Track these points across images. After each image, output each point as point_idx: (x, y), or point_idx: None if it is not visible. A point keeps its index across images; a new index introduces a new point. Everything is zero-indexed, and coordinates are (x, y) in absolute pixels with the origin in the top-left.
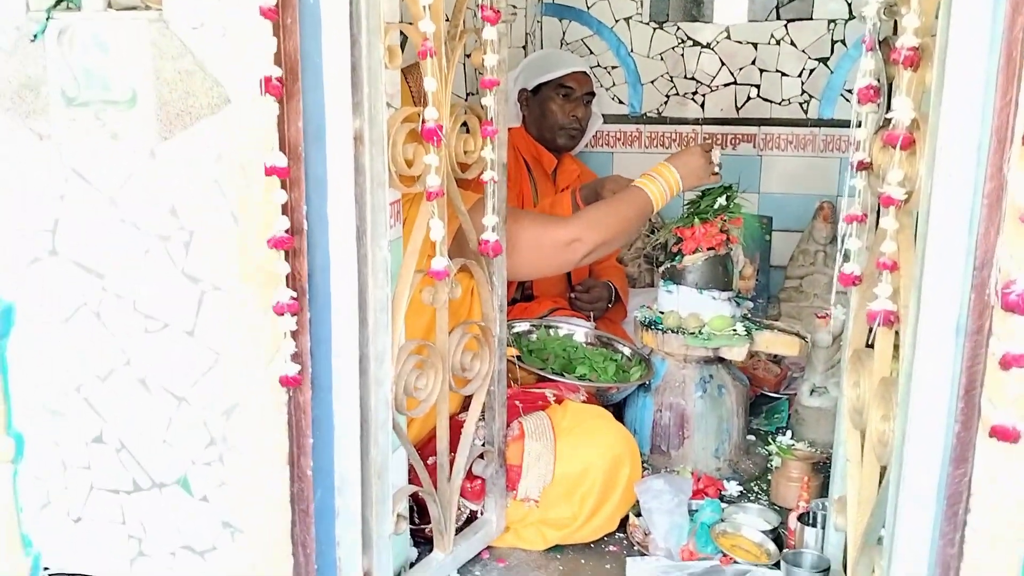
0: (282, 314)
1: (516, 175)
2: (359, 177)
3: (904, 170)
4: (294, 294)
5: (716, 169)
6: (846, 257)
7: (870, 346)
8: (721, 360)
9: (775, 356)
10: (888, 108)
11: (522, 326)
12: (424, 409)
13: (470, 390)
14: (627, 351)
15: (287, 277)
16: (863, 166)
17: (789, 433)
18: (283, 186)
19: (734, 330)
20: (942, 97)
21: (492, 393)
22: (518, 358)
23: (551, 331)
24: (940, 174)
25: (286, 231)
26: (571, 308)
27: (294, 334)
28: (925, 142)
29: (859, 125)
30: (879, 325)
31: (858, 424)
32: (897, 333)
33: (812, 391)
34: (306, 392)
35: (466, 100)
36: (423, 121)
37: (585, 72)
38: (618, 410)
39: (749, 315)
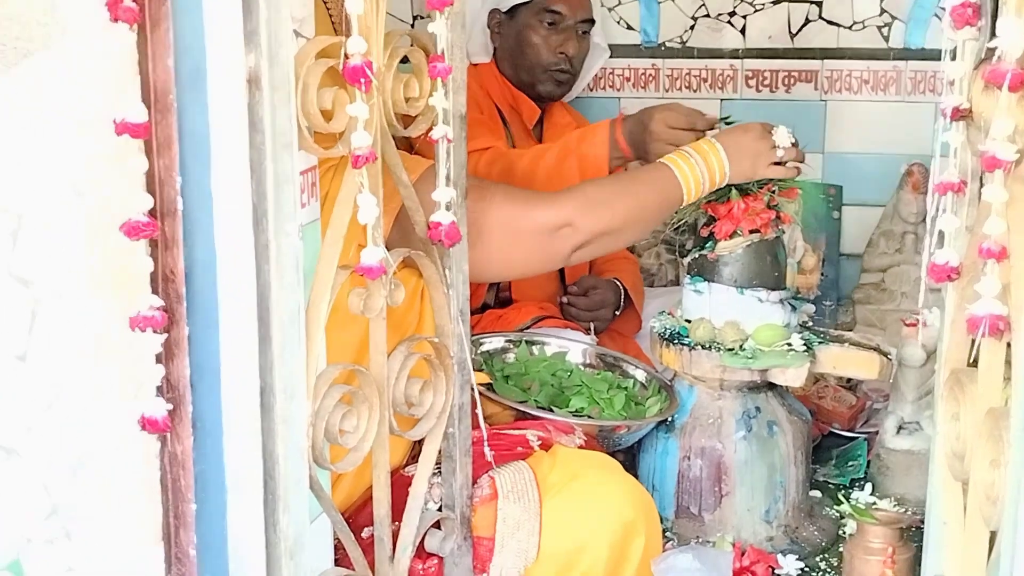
0: (144, 330)
1: (484, 130)
2: (255, 136)
3: (1015, 119)
4: (161, 302)
5: (780, 155)
6: (939, 241)
7: (974, 365)
8: (772, 387)
9: (848, 381)
10: (992, 34)
11: (495, 342)
12: (355, 461)
13: (419, 432)
14: (641, 376)
15: (152, 278)
16: (959, 114)
17: (869, 487)
18: (145, 149)
19: (789, 345)
20: None
21: (451, 437)
22: (489, 387)
23: (535, 349)
24: None
25: (149, 213)
26: (564, 317)
27: (164, 358)
28: None
29: (953, 58)
30: (984, 335)
31: (959, 474)
32: (1009, 346)
33: (900, 428)
34: (184, 439)
35: (412, 28)
36: (346, 56)
37: None
38: (630, 458)
39: (810, 323)
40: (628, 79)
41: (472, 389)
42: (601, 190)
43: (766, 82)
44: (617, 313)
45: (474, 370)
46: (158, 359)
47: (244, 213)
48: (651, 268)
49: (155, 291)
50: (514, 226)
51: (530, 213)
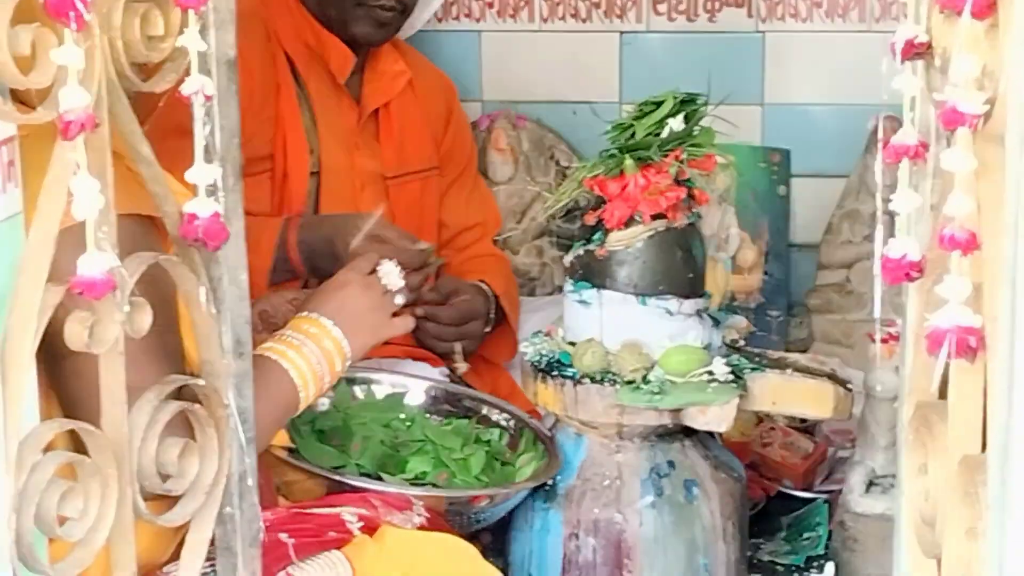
0: None
1: (266, 86)
2: None
3: (982, 57)
4: None
5: (399, 302)
6: (893, 228)
7: (945, 396)
8: (690, 433)
9: (803, 421)
10: None
11: None
12: (83, 560)
13: (180, 516)
14: (509, 423)
15: None
16: (915, 51)
17: (830, 568)
18: None
19: (710, 373)
20: None
21: (229, 520)
22: (291, 451)
23: (360, 390)
24: None
25: None
26: (416, 341)
27: None
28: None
29: None
30: (950, 357)
31: (929, 547)
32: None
33: (870, 484)
34: None
35: None
36: None
37: None
38: (496, 539)
39: (743, 342)
40: (491, 5)
41: (266, 451)
42: None
43: (682, 8)
44: (488, 331)
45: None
46: None
47: None
48: (529, 270)
49: None
50: None
51: None
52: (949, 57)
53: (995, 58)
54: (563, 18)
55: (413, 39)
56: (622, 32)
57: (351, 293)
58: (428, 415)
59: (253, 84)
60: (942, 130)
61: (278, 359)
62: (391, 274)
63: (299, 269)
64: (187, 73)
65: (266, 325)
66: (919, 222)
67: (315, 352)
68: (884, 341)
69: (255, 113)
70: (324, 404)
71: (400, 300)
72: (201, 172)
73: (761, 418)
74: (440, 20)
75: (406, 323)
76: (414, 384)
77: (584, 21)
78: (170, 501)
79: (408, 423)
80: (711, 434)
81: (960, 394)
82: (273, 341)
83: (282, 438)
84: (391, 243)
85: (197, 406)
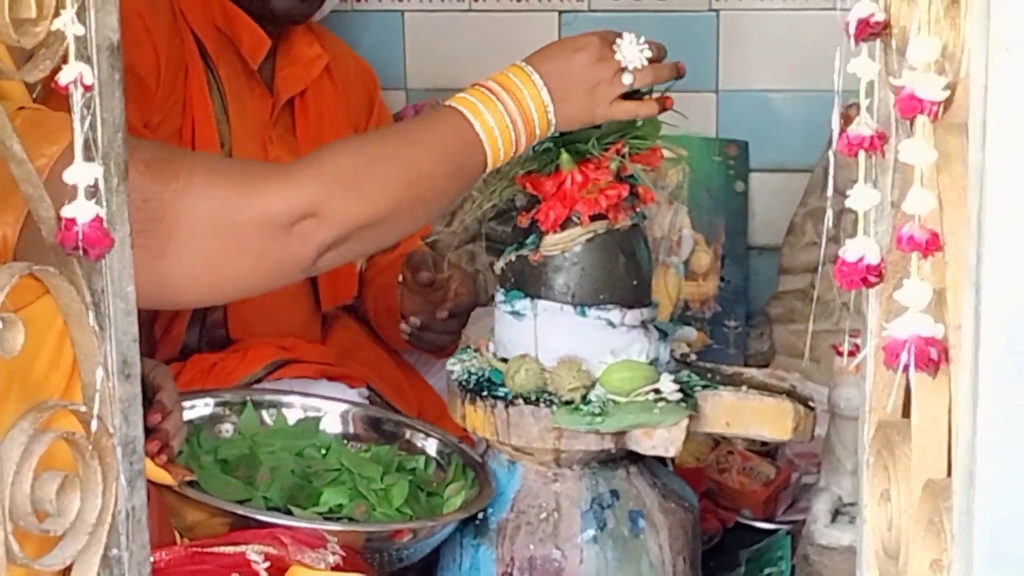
0: None
1: (174, 67)
2: None
3: (942, 37)
4: None
5: (628, 82)
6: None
7: (908, 415)
8: (636, 459)
9: (763, 444)
10: None
11: (201, 408)
12: None
13: (59, 560)
14: (435, 449)
15: None
16: (870, 30)
17: None
18: None
19: (657, 392)
20: None
21: (116, 563)
22: (191, 483)
23: (269, 415)
24: (997, 40)
25: None
26: (411, 341)
27: None
28: None
29: None
30: (907, 370)
31: None
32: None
33: (836, 514)
34: None
35: None
36: None
37: None
38: None
39: (693, 357)
40: None
41: (161, 484)
42: (359, 156)
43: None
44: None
45: (160, 452)
46: None
47: None
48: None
49: None
50: (226, 220)
51: (251, 198)
52: (908, 38)
53: (956, 38)
54: (498, 6)
55: (327, 21)
56: (561, 11)
57: (582, 59)
58: (345, 441)
59: (160, 64)
60: (901, 119)
61: (462, 109)
62: (629, 48)
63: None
64: (64, 60)
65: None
66: (879, 221)
67: (508, 106)
68: (851, 354)
69: (163, 97)
70: (228, 430)
71: (628, 80)
72: (81, 171)
73: (717, 441)
74: (358, 0)
75: (628, 110)
76: (329, 407)
77: (527, 5)
78: (49, 542)
79: (322, 451)
80: (660, 460)
81: (922, 412)
82: (468, 92)
83: (177, 472)
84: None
85: (78, 435)
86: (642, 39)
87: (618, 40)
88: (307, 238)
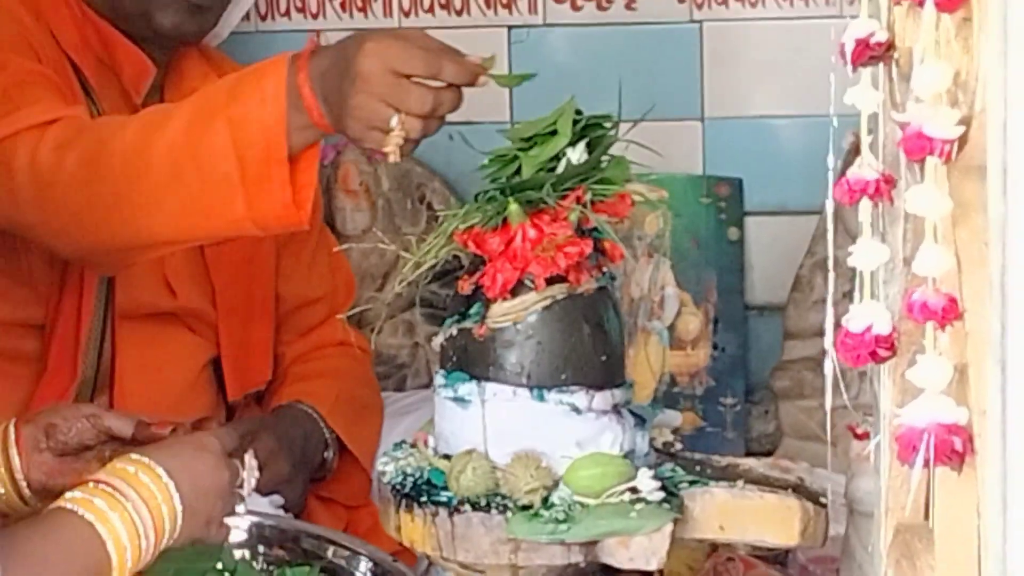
0: None
1: (44, 88)
2: None
3: (953, 63)
4: None
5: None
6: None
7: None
8: (612, 573)
9: (770, 549)
10: None
11: None
12: None
13: None
14: (366, 569)
15: None
16: (870, 54)
17: None
18: None
19: (634, 491)
20: None
21: None
22: None
23: None
24: (1017, 67)
25: None
26: None
27: None
28: None
29: None
30: (926, 465)
31: None
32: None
33: None
34: None
35: None
36: None
37: None
38: None
39: (682, 446)
40: None
41: None
42: None
43: None
44: (324, 472)
45: None
46: None
47: None
48: (396, 354)
49: None
50: None
51: None
52: (913, 63)
53: (970, 63)
54: (431, 10)
55: (227, 45)
56: (510, 27)
57: (206, 462)
58: (254, 563)
59: (42, 83)
60: (909, 161)
61: (91, 519)
62: (252, 470)
63: (318, 118)
64: None
65: (52, 444)
66: (890, 282)
67: (144, 514)
68: (863, 437)
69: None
70: None
71: (241, 509)
72: None
73: (716, 546)
74: (264, 18)
75: (224, 535)
76: (234, 520)
77: (459, 14)
78: None
79: (227, 575)
80: (643, 573)
81: (946, 514)
82: (86, 490)
83: None
84: (423, 53)
85: None
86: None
87: (246, 457)
88: None
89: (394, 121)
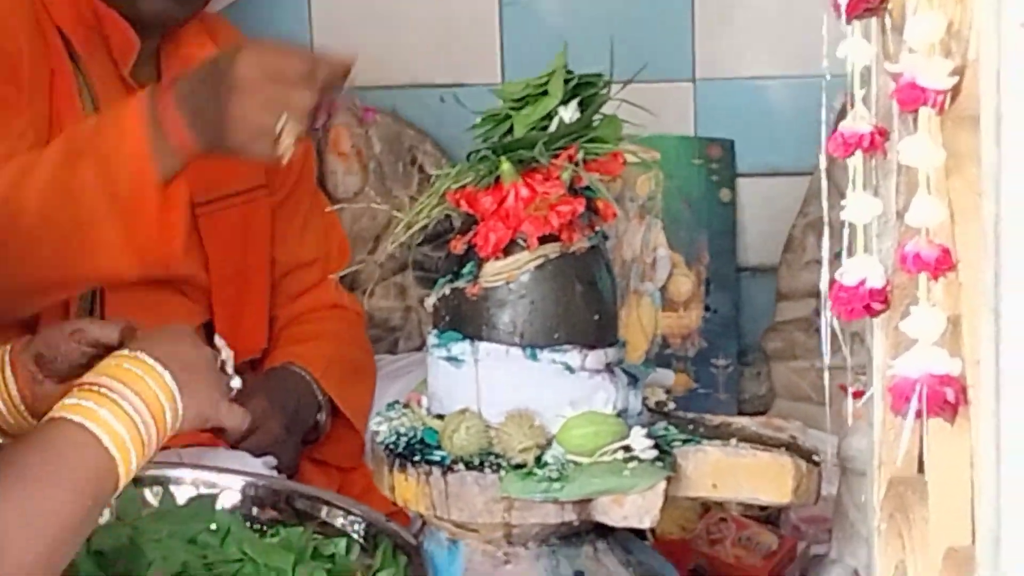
0: None
1: (38, 71)
2: None
3: (947, 12)
4: None
5: (235, 386)
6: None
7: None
8: (606, 532)
9: (762, 509)
10: None
11: None
12: None
13: None
14: (359, 529)
15: None
16: (864, 5)
17: None
18: None
19: (627, 450)
20: None
21: None
22: None
23: (154, 494)
24: (1011, 15)
25: None
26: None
27: None
28: None
29: None
30: (919, 416)
31: None
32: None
33: None
34: None
35: None
36: None
37: None
38: None
39: (675, 405)
40: None
41: None
42: None
43: None
44: (317, 434)
45: None
46: None
47: None
48: (388, 317)
49: None
50: None
51: None
52: (906, 14)
53: (963, 14)
54: None
55: (233, 9)
56: None
57: (187, 342)
58: (248, 523)
59: (21, 68)
60: (902, 112)
61: (81, 420)
62: (224, 347)
63: (186, 142)
64: None
65: (47, 374)
66: (883, 235)
67: (137, 404)
68: (859, 395)
69: (26, 106)
70: (105, 518)
71: (237, 384)
72: None
73: (707, 506)
74: None
75: (240, 417)
76: (227, 481)
77: None
78: None
79: (220, 536)
80: (636, 532)
81: (939, 466)
82: (73, 395)
83: None
84: (291, 59)
85: None
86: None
87: (217, 341)
88: None
89: (280, 124)
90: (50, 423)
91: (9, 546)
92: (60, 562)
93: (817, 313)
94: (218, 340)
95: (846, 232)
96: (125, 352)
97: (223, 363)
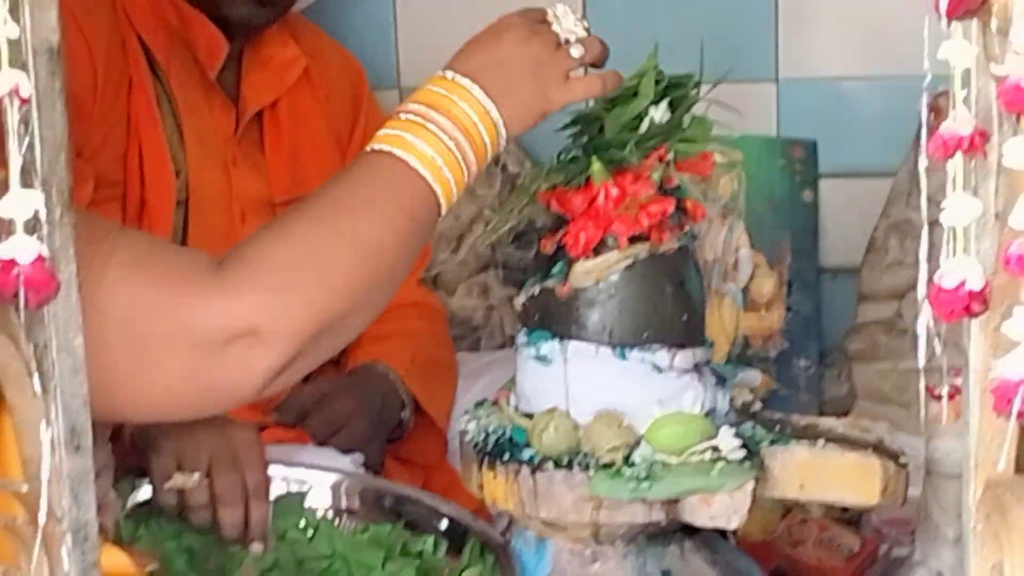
0: None
1: (115, 81)
2: None
3: None
4: None
5: (577, 57)
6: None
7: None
8: (691, 532)
9: (844, 511)
10: None
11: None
12: None
13: None
14: (445, 526)
15: None
16: (964, 6)
17: None
18: None
19: (715, 450)
20: None
21: None
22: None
23: None
24: None
25: None
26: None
27: None
28: None
29: None
30: (1020, 418)
31: None
32: None
33: None
34: None
35: None
36: None
37: None
38: None
39: (759, 405)
40: None
41: None
42: (294, 246)
43: None
44: (400, 431)
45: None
46: None
47: None
48: (470, 316)
49: None
50: (139, 327)
51: (172, 307)
52: (1011, 16)
53: None
54: None
55: (313, 11)
56: None
57: (511, 40)
58: (337, 520)
59: (97, 75)
60: (1005, 113)
61: (399, 152)
62: (567, 18)
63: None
64: None
65: None
66: (981, 237)
67: (444, 124)
68: (950, 397)
69: (102, 116)
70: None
71: (578, 52)
72: (18, 201)
73: (789, 508)
74: None
75: (589, 86)
76: (317, 478)
77: None
78: None
79: (308, 533)
80: (721, 533)
81: None
82: (394, 126)
83: (143, 561)
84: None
85: (19, 519)
86: (572, 11)
87: (552, 11)
88: (247, 363)
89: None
90: (359, 156)
91: (324, 263)
92: (385, 291)
93: (899, 315)
94: (553, 11)
95: (924, 233)
96: (440, 74)
97: (559, 38)
